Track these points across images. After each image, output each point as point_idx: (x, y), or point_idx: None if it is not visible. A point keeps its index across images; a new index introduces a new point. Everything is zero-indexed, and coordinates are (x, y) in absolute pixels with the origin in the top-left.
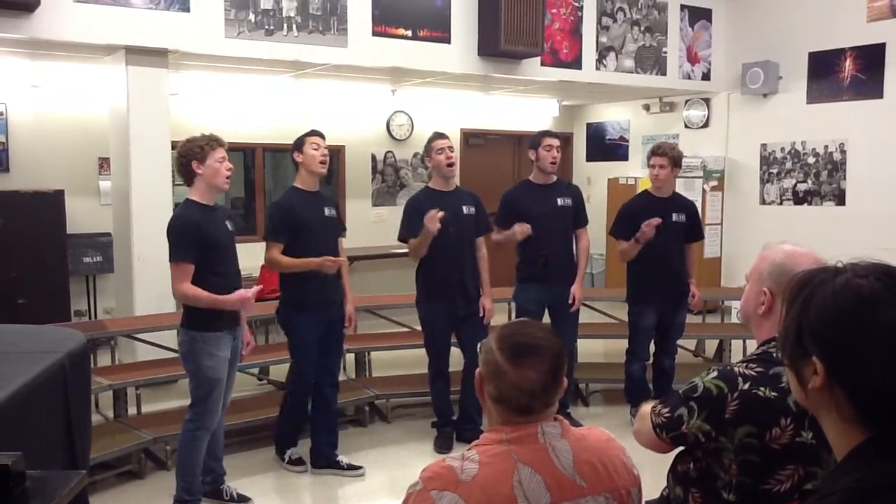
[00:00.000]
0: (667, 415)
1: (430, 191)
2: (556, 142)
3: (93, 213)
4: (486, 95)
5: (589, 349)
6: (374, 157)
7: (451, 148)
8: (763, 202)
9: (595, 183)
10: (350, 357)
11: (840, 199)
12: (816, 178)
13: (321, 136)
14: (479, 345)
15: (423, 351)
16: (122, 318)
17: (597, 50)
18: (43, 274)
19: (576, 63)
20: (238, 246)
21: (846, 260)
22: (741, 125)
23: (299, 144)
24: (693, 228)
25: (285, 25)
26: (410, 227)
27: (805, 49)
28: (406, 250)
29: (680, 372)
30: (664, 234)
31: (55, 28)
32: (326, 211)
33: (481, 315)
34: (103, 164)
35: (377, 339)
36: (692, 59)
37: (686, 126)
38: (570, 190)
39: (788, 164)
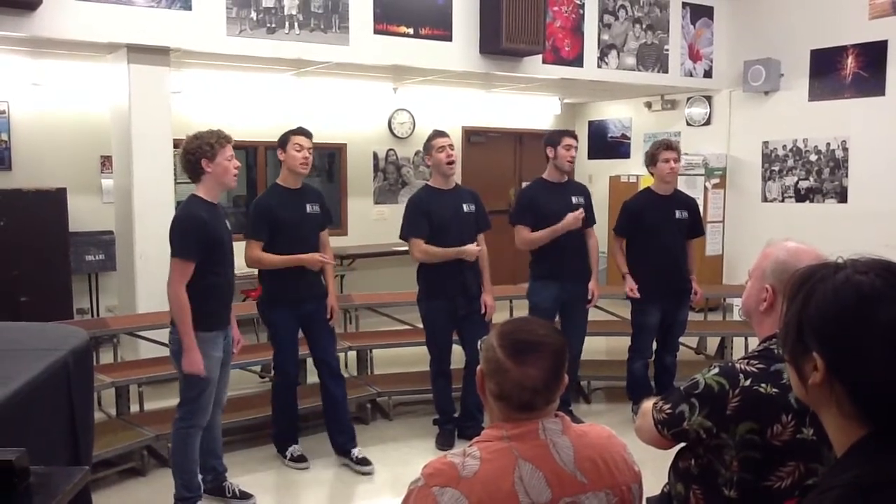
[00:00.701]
0: (668, 411)
1: (431, 189)
2: (574, 141)
3: (95, 211)
4: (487, 93)
5: (591, 346)
6: (375, 155)
7: (451, 146)
8: (765, 200)
9: (596, 181)
10: (352, 354)
11: (842, 196)
12: (818, 176)
13: (306, 135)
14: (479, 342)
15: (424, 348)
16: (125, 316)
17: (598, 47)
18: (45, 272)
19: (577, 61)
20: (239, 244)
21: (847, 256)
22: (743, 123)
23: (283, 142)
24: (694, 225)
25: (287, 23)
26: (412, 225)
27: (807, 46)
28: (407, 248)
29: (682, 369)
30: (667, 232)
31: (57, 26)
32: (308, 207)
33: (483, 312)
34: (105, 162)
35: (379, 336)
36: (694, 56)
37: (688, 124)
38: (582, 189)
39: (790, 162)
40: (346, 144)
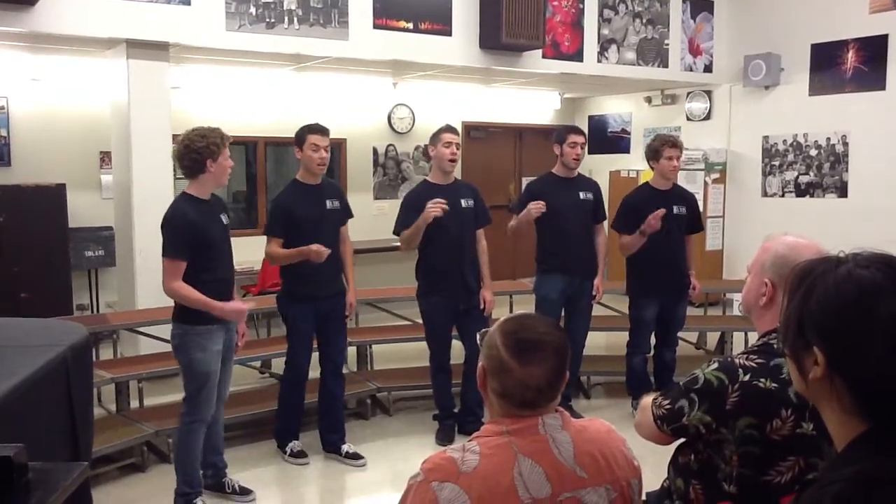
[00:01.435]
0: (668, 407)
1: (428, 184)
2: (580, 139)
3: (94, 206)
4: (487, 88)
5: (590, 342)
6: (375, 151)
7: (457, 145)
8: (765, 194)
9: (597, 176)
10: (352, 350)
11: (842, 191)
12: (818, 171)
13: (323, 132)
14: (478, 335)
15: (424, 344)
16: (124, 312)
17: (598, 42)
18: (45, 268)
19: (577, 55)
20: (239, 240)
21: (848, 250)
22: (743, 117)
23: (301, 141)
24: (693, 220)
25: (286, 18)
26: (406, 220)
27: (807, 41)
28: None
29: (681, 364)
30: (666, 227)
31: (56, 21)
32: (329, 203)
33: (482, 308)
34: (105, 157)
35: (379, 332)
36: (694, 51)
37: (688, 118)
38: (591, 185)
39: (790, 157)
40: (345, 140)
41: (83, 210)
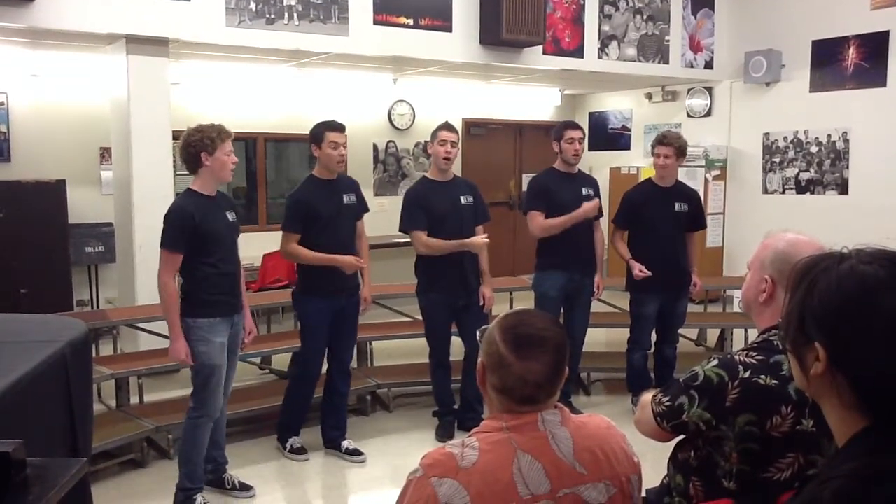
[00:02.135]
0: (667, 403)
1: (428, 181)
2: (577, 134)
3: (94, 202)
4: (487, 84)
5: (590, 338)
6: (375, 147)
7: (453, 143)
8: (765, 191)
9: (597, 172)
10: None
11: (843, 188)
12: (819, 168)
13: (340, 129)
14: (478, 331)
15: (424, 340)
16: (124, 308)
17: (599, 38)
18: (45, 264)
19: (578, 52)
20: (250, 234)
21: (851, 246)
22: (744, 114)
23: (318, 139)
24: (695, 217)
25: (286, 14)
26: (411, 218)
27: (808, 37)
28: (407, 240)
29: (681, 361)
30: (666, 224)
31: (56, 17)
32: (345, 198)
33: (481, 304)
34: (104, 153)
35: (379, 328)
36: (695, 47)
37: (688, 115)
38: (591, 181)
39: (791, 153)
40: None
41: (83, 206)
